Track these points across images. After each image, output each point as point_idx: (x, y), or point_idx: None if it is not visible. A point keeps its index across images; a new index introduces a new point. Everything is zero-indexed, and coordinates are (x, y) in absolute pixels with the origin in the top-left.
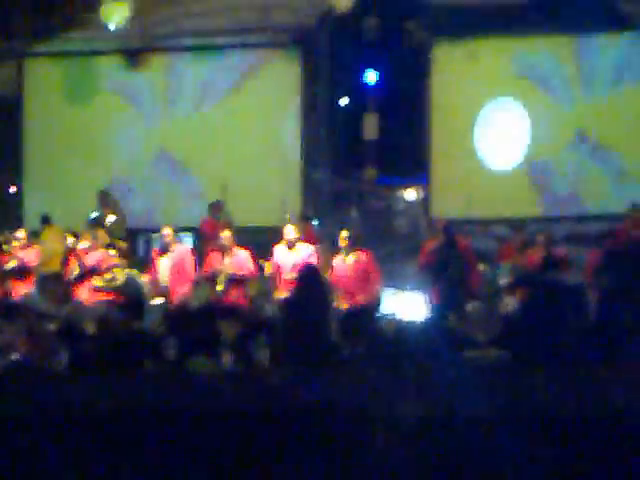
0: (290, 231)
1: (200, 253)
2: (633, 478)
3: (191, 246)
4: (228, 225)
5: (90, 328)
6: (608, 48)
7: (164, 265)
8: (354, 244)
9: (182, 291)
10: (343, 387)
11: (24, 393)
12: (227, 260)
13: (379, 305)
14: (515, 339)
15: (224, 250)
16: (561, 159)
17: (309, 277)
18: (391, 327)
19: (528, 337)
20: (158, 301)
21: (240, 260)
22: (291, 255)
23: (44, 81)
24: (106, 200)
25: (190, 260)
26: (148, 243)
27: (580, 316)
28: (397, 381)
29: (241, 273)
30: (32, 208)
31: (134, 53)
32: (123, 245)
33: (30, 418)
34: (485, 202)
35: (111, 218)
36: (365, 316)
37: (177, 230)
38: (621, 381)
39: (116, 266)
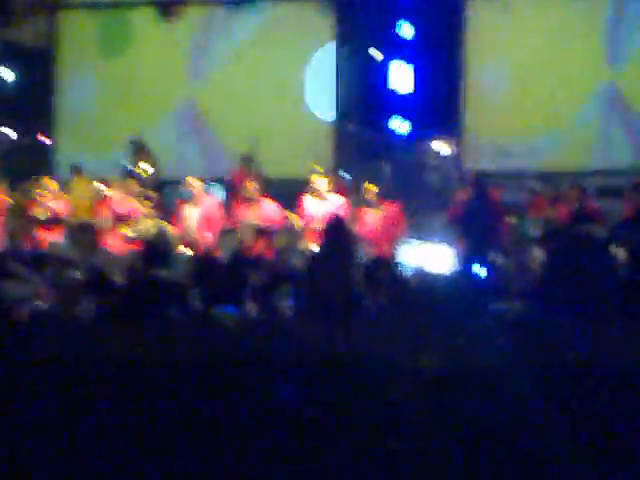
0: (319, 182)
1: (230, 205)
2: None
3: (221, 197)
4: (258, 177)
5: (118, 278)
6: None
7: (192, 216)
8: (384, 197)
9: (206, 241)
10: (366, 338)
11: (48, 341)
12: (254, 211)
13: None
14: (543, 292)
15: (251, 201)
16: (593, 113)
17: (336, 229)
18: (417, 278)
19: (556, 290)
20: (186, 252)
21: (267, 211)
22: (320, 206)
23: (78, 32)
24: (140, 149)
25: (218, 211)
26: (179, 194)
27: (610, 270)
28: (421, 333)
29: (267, 224)
30: (65, 158)
31: (168, 5)
32: (154, 195)
33: (53, 366)
34: (518, 155)
35: (144, 167)
36: (388, 266)
37: (207, 181)
38: None
39: (147, 216)
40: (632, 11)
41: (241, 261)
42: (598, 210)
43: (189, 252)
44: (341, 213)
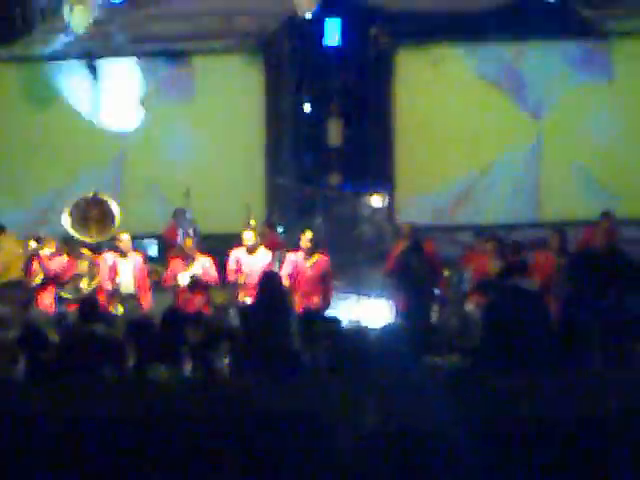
0: (249, 236)
1: (164, 260)
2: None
3: (155, 253)
4: (192, 232)
5: (52, 335)
6: (568, 53)
7: (125, 271)
8: (316, 248)
9: (147, 299)
10: (304, 396)
11: None
12: (191, 267)
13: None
14: (478, 345)
15: (187, 258)
16: (524, 166)
17: (269, 284)
18: (354, 333)
19: (490, 343)
20: (120, 308)
21: (205, 267)
22: (252, 260)
23: (4, 86)
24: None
25: (146, 268)
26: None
27: (541, 321)
28: (358, 389)
29: (204, 280)
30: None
31: (95, 58)
32: (88, 253)
33: None
34: (450, 209)
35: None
36: (322, 320)
37: (141, 237)
38: (581, 386)
39: (80, 275)
40: (549, 72)
41: (177, 317)
42: (527, 263)
43: (121, 309)
44: (273, 268)
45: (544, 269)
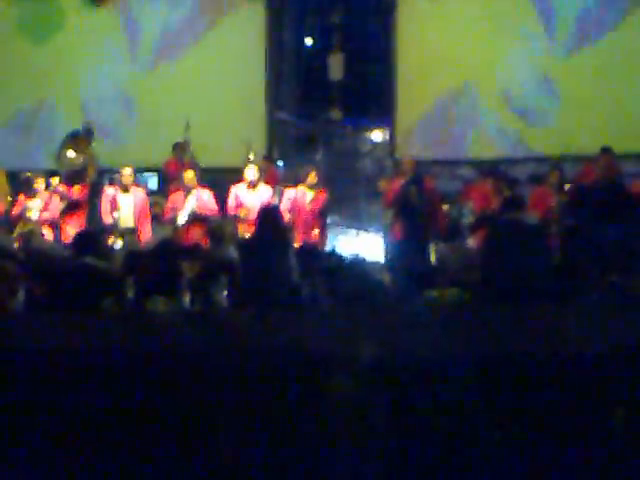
0: (250, 173)
1: (164, 193)
2: (588, 419)
3: (155, 187)
4: (192, 165)
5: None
6: None
7: (126, 205)
8: (317, 184)
9: (146, 233)
10: (302, 328)
11: None
12: (190, 199)
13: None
14: (476, 279)
15: (187, 190)
16: (526, 104)
17: (269, 218)
18: (352, 266)
19: (489, 277)
20: (119, 241)
21: (203, 200)
22: (252, 196)
23: (2, 20)
24: (78, 136)
25: (147, 201)
26: (111, 182)
27: (542, 255)
28: (356, 322)
29: (203, 213)
30: None
31: None
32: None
33: None
34: (451, 144)
35: (70, 155)
36: (321, 254)
37: (141, 170)
38: (580, 320)
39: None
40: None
41: (175, 250)
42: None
43: (120, 242)
44: (273, 202)
45: (543, 204)
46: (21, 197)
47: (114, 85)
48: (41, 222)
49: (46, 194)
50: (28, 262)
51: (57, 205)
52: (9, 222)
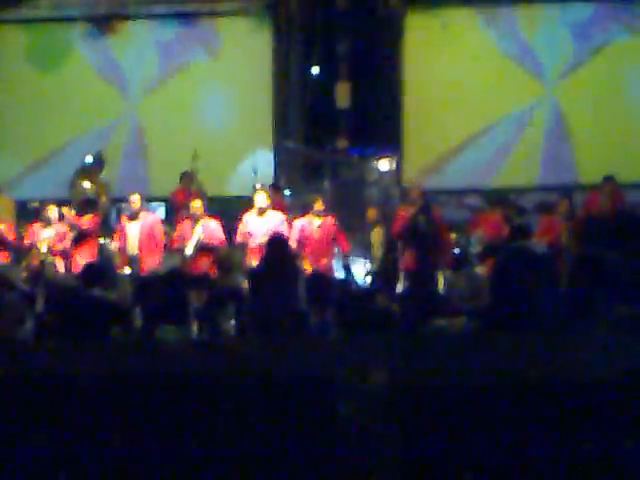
0: (260, 199)
1: (172, 223)
2: (602, 442)
3: (163, 216)
4: (200, 195)
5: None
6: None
7: (133, 233)
8: (325, 212)
9: (152, 260)
10: (309, 356)
11: None
12: (198, 229)
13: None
14: (485, 307)
15: (195, 219)
16: (529, 132)
17: (278, 246)
18: (361, 294)
19: (497, 305)
20: (127, 270)
21: (211, 229)
22: (261, 223)
23: (11, 48)
24: (87, 168)
25: (159, 229)
26: (119, 212)
27: (550, 284)
28: (365, 350)
29: (211, 242)
30: (2, 178)
31: (102, 20)
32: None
33: None
34: (458, 173)
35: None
36: (331, 282)
37: (149, 200)
38: (589, 347)
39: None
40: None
41: (184, 279)
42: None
43: (127, 270)
44: (282, 230)
45: (552, 233)
46: (34, 226)
47: (120, 114)
48: (54, 252)
49: (59, 224)
50: (41, 293)
51: (68, 235)
52: (19, 251)
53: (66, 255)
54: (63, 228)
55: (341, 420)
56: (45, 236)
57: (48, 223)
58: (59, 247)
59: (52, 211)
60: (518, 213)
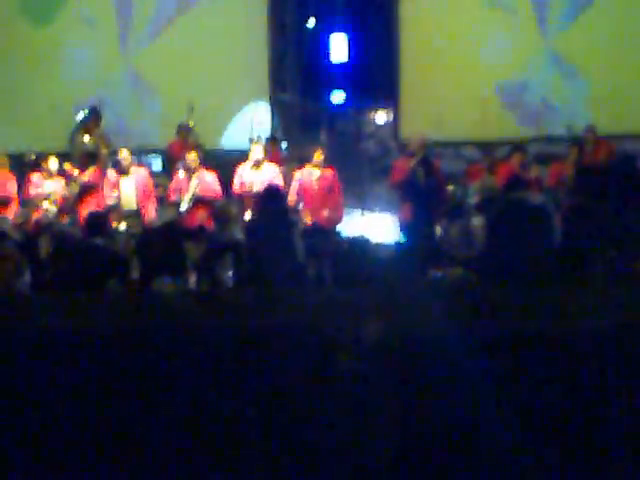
0: (256, 151)
1: (168, 175)
2: (588, 397)
3: (160, 168)
4: (196, 147)
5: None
6: None
7: (126, 188)
8: (322, 165)
9: (149, 213)
10: (308, 308)
11: None
12: (194, 182)
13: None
14: (481, 258)
15: (191, 172)
16: (532, 81)
17: (273, 197)
18: (358, 247)
19: (493, 256)
20: (123, 224)
21: (207, 182)
22: (256, 175)
23: (4, 1)
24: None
25: (151, 182)
26: (114, 165)
27: (545, 236)
28: (361, 302)
29: (207, 195)
30: None
31: None
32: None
33: None
34: (455, 124)
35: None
36: (329, 234)
37: (146, 152)
38: (582, 300)
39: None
40: None
41: (180, 231)
42: (536, 178)
43: (123, 224)
44: (277, 182)
45: (558, 180)
46: (34, 176)
47: (115, 66)
48: (57, 204)
49: (60, 177)
50: (45, 243)
51: (71, 187)
52: (24, 202)
53: (69, 208)
54: (64, 181)
55: (338, 371)
56: (48, 187)
57: (49, 175)
58: (61, 199)
59: (53, 163)
60: (535, 161)
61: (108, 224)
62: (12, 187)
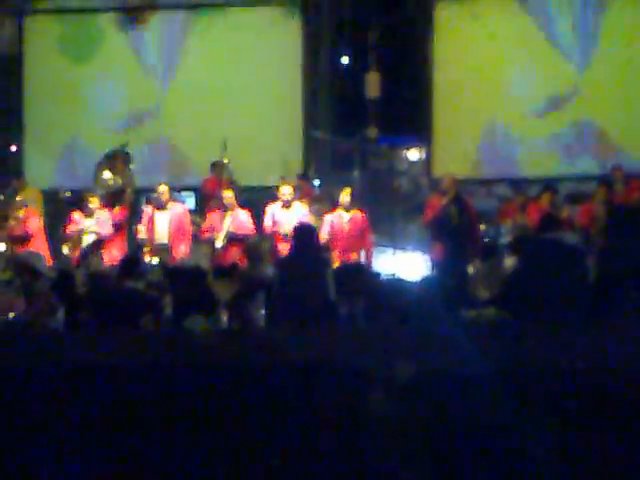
0: (286, 190)
1: (202, 213)
2: (625, 431)
3: (193, 206)
4: (230, 184)
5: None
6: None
7: (161, 223)
8: (354, 203)
9: (181, 250)
10: (340, 345)
11: (19, 352)
12: (228, 220)
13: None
14: (513, 298)
15: (226, 209)
16: (563, 119)
17: (305, 235)
18: (391, 286)
19: (526, 297)
20: (155, 260)
21: (240, 220)
22: (287, 214)
23: (44, 38)
24: (113, 159)
25: (188, 219)
26: (148, 201)
27: (579, 276)
28: (394, 339)
29: (241, 233)
30: (33, 167)
31: (134, 10)
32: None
33: (26, 377)
34: (487, 162)
35: (107, 177)
36: (359, 273)
37: (179, 189)
38: (616, 338)
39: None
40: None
41: (213, 270)
42: (568, 217)
43: (155, 260)
44: (308, 220)
45: (589, 221)
46: (75, 215)
47: (150, 104)
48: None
49: (101, 213)
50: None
51: (109, 226)
52: (63, 239)
53: (101, 246)
54: (102, 216)
55: (370, 407)
56: (87, 226)
57: (90, 213)
58: (102, 237)
59: (94, 201)
60: (566, 200)
61: (141, 266)
62: (33, 224)
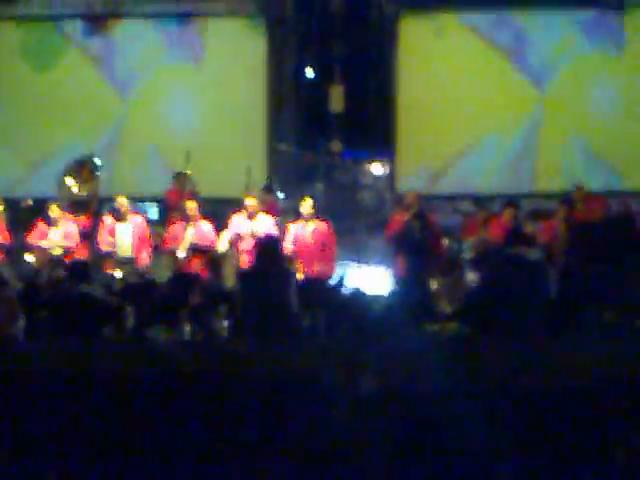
0: (251, 203)
1: (164, 223)
2: (588, 448)
3: (156, 216)
4: (193, 195)
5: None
6: (578, 22)
7: (122, 235)
8: (317, 214)
9: (143, 261)
10: (302, 358)
11: None
12: (190, 230)
13: (336, 277)
14: (476, 313)
15: (188, 220)
16: (527, 136)
17: (268, 247)
18: (353, 299)
19: (488, 311)
20: (118, 272)
21: (203, 231)
22: (251, 225)
23: (5, 45)
24: (78, 168)
25: (147, 229)
26: (111, 211)
27: (540, 291)
28: (356, 353)
29: (203, 244)
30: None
31: (96, 18)
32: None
33: None
34: (451, 177)
35: (69, 183)
36: (322, 286)
37: (141, 200)
38: (575, 354)
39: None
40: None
41: (175, 281)
42: (531, 233)
43: (119, 271)
44: (271, 232)
45: (550, 238)
46: (41, 225)
47: (112, 113)
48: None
49: (65, 223)
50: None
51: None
52: (26, 248)
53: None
54: (69, 228)
55: (333, 418)
56: (55, 242)
57: (55, 223)
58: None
59: (55, 210)
60: (527, 216)
61: (89, 271)
62: None
